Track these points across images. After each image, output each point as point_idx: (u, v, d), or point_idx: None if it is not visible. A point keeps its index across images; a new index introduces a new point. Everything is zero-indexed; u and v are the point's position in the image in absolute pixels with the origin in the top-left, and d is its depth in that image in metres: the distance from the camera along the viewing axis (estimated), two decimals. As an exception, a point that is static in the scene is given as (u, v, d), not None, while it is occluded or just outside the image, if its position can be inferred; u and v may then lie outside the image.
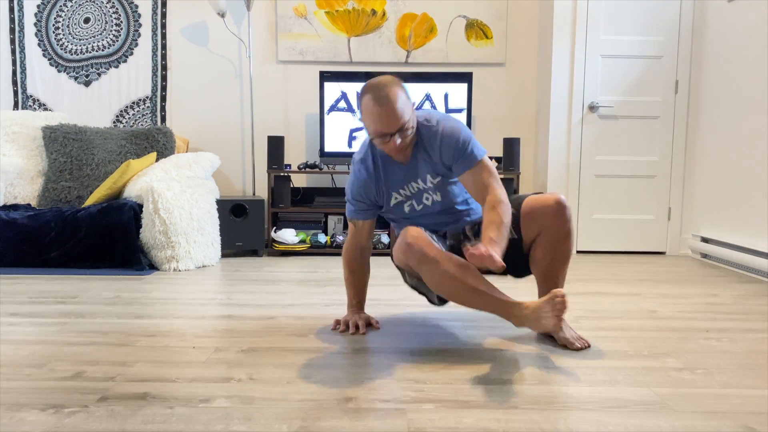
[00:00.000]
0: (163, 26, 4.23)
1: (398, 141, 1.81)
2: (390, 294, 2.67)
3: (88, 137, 3.83)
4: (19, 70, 4.25)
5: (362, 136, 3.91)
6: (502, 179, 3.76)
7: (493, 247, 1.67)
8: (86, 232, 3.16)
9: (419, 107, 3.90)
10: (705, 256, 3.75)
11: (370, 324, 2.11)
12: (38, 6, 4.22)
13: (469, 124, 3.89)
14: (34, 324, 2.12)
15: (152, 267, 3.24)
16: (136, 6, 4.22)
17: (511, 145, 3.77)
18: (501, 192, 1.85)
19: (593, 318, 2.28)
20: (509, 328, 2.11)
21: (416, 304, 2.46)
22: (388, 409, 1.41)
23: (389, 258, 3.66)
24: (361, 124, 3.89)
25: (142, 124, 4.28)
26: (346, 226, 3.98)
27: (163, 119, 4.28)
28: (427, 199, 2.00)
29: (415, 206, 2.02)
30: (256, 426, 1.32)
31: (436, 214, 2.03)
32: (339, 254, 3.76)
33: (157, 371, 1.65)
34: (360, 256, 2.09)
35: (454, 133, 1.89)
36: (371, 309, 2.39)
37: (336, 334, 2.03)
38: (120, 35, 4.24)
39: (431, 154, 1.93)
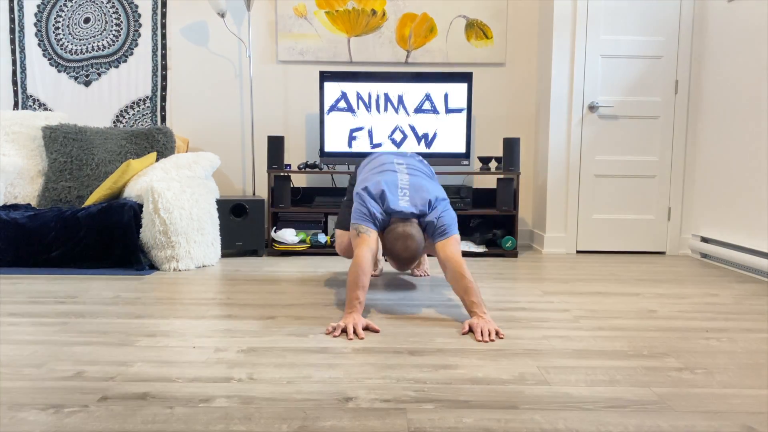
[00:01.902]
0: (163, 26, 4.23)
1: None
2: (389, 294, 2.67)
3: (88, 137, 3.83)
4: (19, 70, 4.25)
5: (362, 137, 3.92)
6: (501, 179, 3.78)
7: (481, 310, 2.12)
8: (86, 232, 3.16)
9: (419, 108, 3.90)
10: (705, 256, 3.76)
11: (367, 327, 2.11)
12: (38, 6, 4.22)
13: (469, 124, 3.89)
14: (34, 324, 2.13)
15: (152, 267, 3.24)
16: (136, 6, 4.22)
17: (511, 145, 3.77)
18: (461, 262, 2.25)
19: (593, 318, 2.28)
20: (509, 328, 2.12)
21: (415, 305, 2.47)
22: (388, 408, 1.41)
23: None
24: (360, 124, 3.89)
25: (142, 124, 4.28)
26: (346, 226, 3.98)
27: (163, 119, 4.28)
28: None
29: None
30: (256, 426, 1.32)
31: None
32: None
33: (157, 371, 1.65)
34: (372, 263, 2.24)
35: (442, 225, 2.34)
36: (370, 309, 2.39)
37: (338, 336, 2.03)
38: (120, 35, 4.24)
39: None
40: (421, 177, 2.48)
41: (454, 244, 2.29)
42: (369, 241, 2.25)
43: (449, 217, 2.36)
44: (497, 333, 2.02)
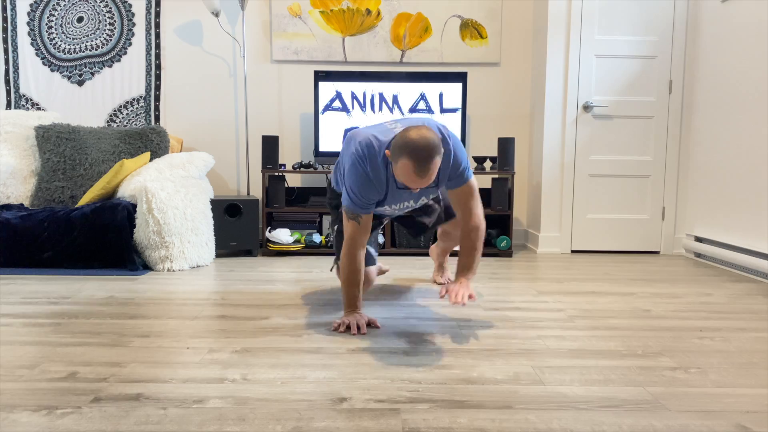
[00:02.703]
0: (157, 25, 4.22)
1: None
2: (385, 294, 2.66)
3: (81, 137, 3.81)
4: (11, 69, 4.23)
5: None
6: (496, 179, 3.78)
7: (467, 275, 2.09)
8: (79, 232, 3.15)
9: (414, 107, 3.90)
10: (699, 255, 3.77)
11: (369, 324, 2.11)
12: (31, 5, 4.20)
13: (463, 123, 3.89)
14: (26, 325, 2.11)
15: (146, 267, 3.23)
16: (130, 5, 4.20)
17: (506, 145, 3.78)
18: (478, 215, 2.15)
19: (587, 317, 2.29)
20: (503, 328, 2.12)
21: (411, 304, 2.47)
22: (383, 409, 1.41)
23: (384, 258, 3.65)
24: (355, 124, 3.89)
25: (135, 124, 4.27)
26: (340, 226, 3.97)
27: (157, 119, 4.27)
28: (406, 208, 2.30)
29: (393, 212, 2.30)
30: (250, 427, 1.31)
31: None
32: (334, 254, 3.76)
33: (151, 372, 1.65)
34: (362, 254, 2.12)
35: (458, 161, 2.09)
36: (366, 309, 2.38)
37: (331, 334, 2.02)
38: (114, 34, 4.23)
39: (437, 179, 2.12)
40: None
41: (474, 195, 2.12)
42: (357, 228, 2.07)
43: (462, 153, 2.09)
44: (470, 296, 2.01)
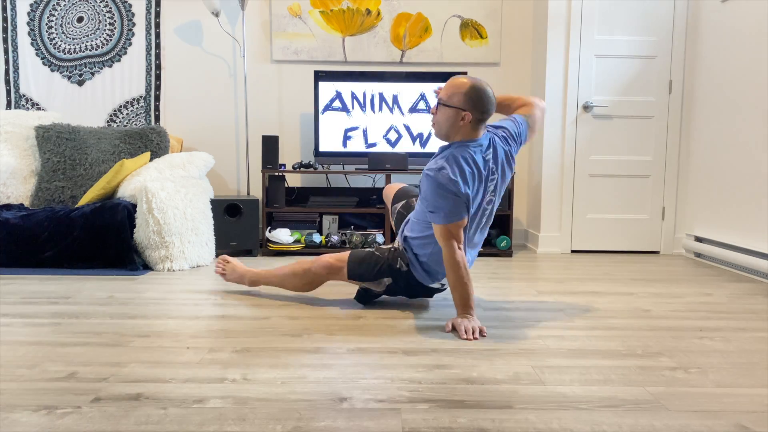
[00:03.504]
0: (157, 25, 4.22)
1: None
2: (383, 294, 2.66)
3: (81, 137, 3.81)
4: (12, 69, 4.23)
5: (356, 136, 3.91)
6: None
7: (470, 311, 2.08)
8: (80, 232, 3.15)
9: (414, 107, 3.90)
10: (699, 255, 3.77)
11: (481, 331, 2.05)
12: (31, 5, 4.20)
13: (463, 123, 3.88)
14: (27, 324, 2.11)
15: (146, 267, 3.23)
16: (130, 5, 4.20)
17: (506, 145, 3.77)
18: (448, 245, 2.09)
19: (587, 317, 2.29)
20: (503, 328, 2.12)
21: (411, 304, 2.47)
22: (383, 409, 1.41)
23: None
24: (355, 124, 3.89)
25: (135, 124, 4.27)
26: (340, 226, 3.97)
27: (157, 119, 4.27)
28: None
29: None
30: (250, 426, 1.31)
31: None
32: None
33: (151, 372, 1.65)
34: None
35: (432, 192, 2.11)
36: (366, 309, 2.39)
37: (331, 334, 2.03)
38: (114, 34, 4.23)
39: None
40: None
41: (439, 231, 2.10)
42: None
43: (432, 187, 2.11)
44: (481, 331, 2.01)
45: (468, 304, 2.09)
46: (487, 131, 2.27)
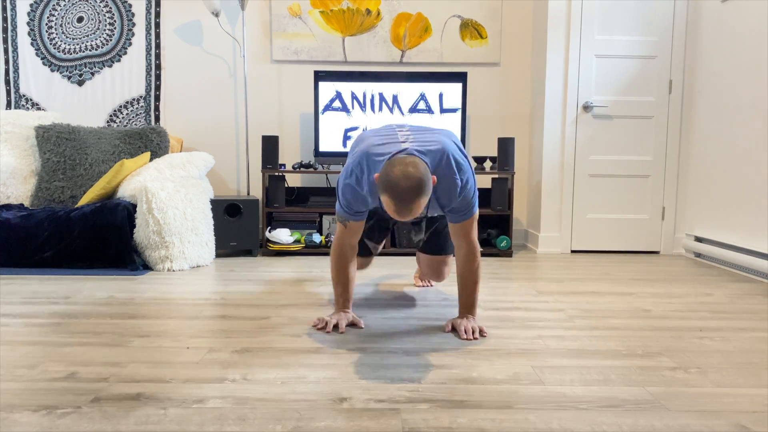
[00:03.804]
0: (157, 25, 4.22)
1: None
2: (384, 294, 2.66)
3: (81, 137, 3.81)
4: (12, 69, 4.23)
5: (356, 136, 3.90)
6: (496, 179, 3.78)
7: (472, 312, 2.08)
8: (79, 232, 3.14)
9: (414, 107, 3.90)
10: (699, 255, 3.77)
11: (353, 324, 2.12)
12: (31, 5, 4.20)
13: (463, 123, 3.89)
14: (27, 324, 2.11)
15: (146, 267, 3.23)
16: (130, 5, 4.20)
17: (506, 145, 3.78)
18: (476, 244, 2.09)
19: (587, 317, 2.28)
20: (503, 328, 2.12)
21: (411, 304, 2.46)
22: (383, 409, 1.41)
23: (383, 258, 3.65)
24: (355, 124, 3.89)
25: (135, 124, 4.27)
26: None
27: (157, 119, 4.27)
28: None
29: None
30: (250, 427, 1.31)
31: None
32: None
33: (151, 372, 1.65)
34: (350, 254, 2.12)
35: (469, 193, 2.00)
36: (366, 309, 2.39)
37: (331, 334, 2.03)
38: (114, 34, 4.23)
39: (438, 201, 2.01)
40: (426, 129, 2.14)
41: (475, 226, 2.08)
42: (345, 232, 2.08)
43: (473, 186, 2.02)
44: (481, 331, 2.02)
45: (473, 305, 2.10)
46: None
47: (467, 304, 2.10)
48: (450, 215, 2.04)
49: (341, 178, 2.04)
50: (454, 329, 2.07)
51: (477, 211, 2.06)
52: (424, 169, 1.77)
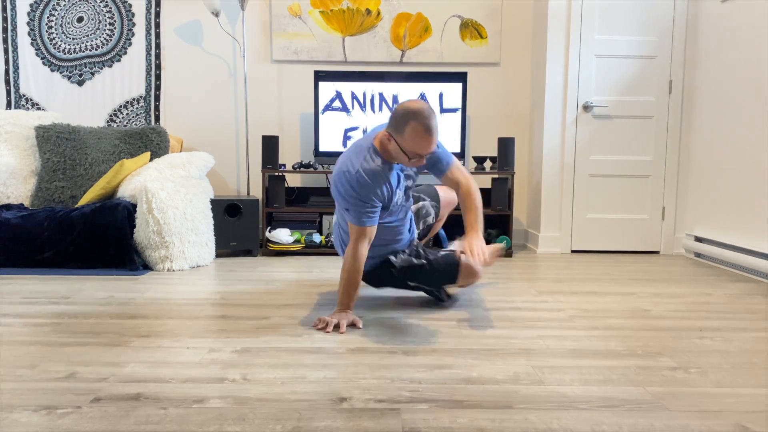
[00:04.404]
0: (157, 25, 4.22)
1: (425, 160, 2.13)
2: (383, 294, 2.66)
3: (81, 137, 3.81)
4: (11, 69, 4.23)
5: (356, 136, 3.91)
6: (496, 179, 3.78)
7: (477, 230, 2.16)
8: (79, 232, 3.14)
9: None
10: (699, 255, 3.77)
11: (353, 324, 2.12)
12: (31, 5, 4.20)
13: (463, 123, 3.89)
14: (27, 324, 2.11)
15: (146, 267, 3.23)
16: (130, 5, 4.20)
17: (506, 145, 3.78)
18: (471, 180, 2.28)
19: (587, 317, 2.29)
20: (503, 328, 2.12)
21: (411, 304, 2.46)
22: (383, 409, 1.41)
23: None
24: (355, 124, 3.89)
25: (135, 124, 4.27)
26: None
27: (157, 119, 4.27)
28: (402, 208, 2.32)
29: (396, 201, 2.26)
30: (250, 426, 1.31)
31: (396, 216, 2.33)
32: (334, 254, 3.76)
33: (151, 372, 1.65)
34: (363, 259, 2.16)
35: (441, 146, 2.28)
36: (366, 309, 2.39)
37: (331, 334, 2.03)
38: (114, 34, 4.23)
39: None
40: None
41: (461, 168, 2.30)
42: (361, 237, 2.14)
43: (443, 148, 2.30)
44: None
45: (481, 224, 2.20)
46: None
47: (474, 222, 2.18)
48: (435, 171, 2.28)
49: (340, 189, 2.11)
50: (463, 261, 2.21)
51: (454, 159, 2.29)
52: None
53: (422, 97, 3.89)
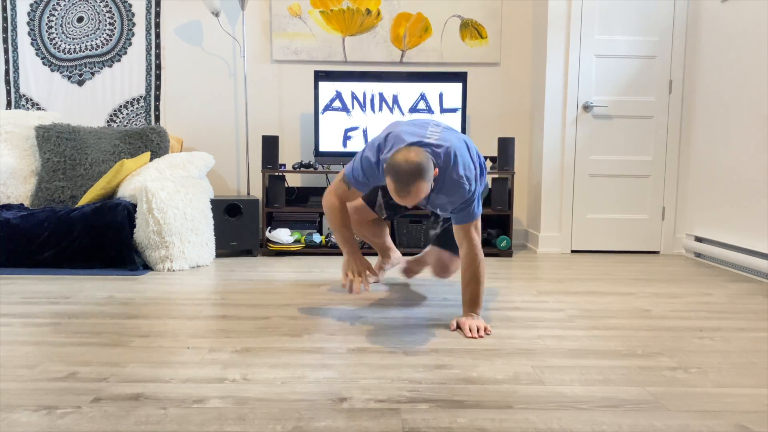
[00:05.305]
0: (157, 25, 4.22)
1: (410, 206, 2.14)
2: (383, 294, 2.66)
3: (81, 137, 3.81)
4: (12, 69, 4.23)
5: (357, 136, 3.91)
6: (496, 179, 3.78)
7: (476, 310, 2.11)
8: (80, 232, 3.14)
9: (414, 107, 3.90)
10: (699, 255, 3.77)
11: (367, 269, 2.34)
12: (31, 5, 4.20)
13: (463, 123, 3.89)
14: (27, 324, 2.11)
15: (146, 267, 3.23)
16: (130, 5, 4.20)
17: (506, 145, 3.78)
18: (479, 246, 2.15)
19: (587, 317, 2.28)
20: (503, 328, 2.12)
21: (411, 304, 2.46)
22: (383, 409, 1.41)
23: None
24: (355, 124, 3.89)
25: (135, 124, 4.27)
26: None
27: (157, 119, 4.27)
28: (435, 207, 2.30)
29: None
30: (250, 426, 1.31)
31: None
32: (334, 254, 3.76)
33: (151, 372, 1.65)
34: (341, 209, 2.34)
35: (472, 198, 2.12)
36: (366, 309, 2.39)
37: (331, 334, 2.03)
38: (114, 34, 4.23)
39: (441, 195, 2.13)
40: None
41: (478, 228, 2.18)
42: (346, 192, 2.28)
43: (476, 190, 2.14)
44: (486, 329, 2.05)
45: (477, 303, 2.13)
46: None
47: (470, 302, 2.13)
48: (453, 215, 2.17)
49: (363, 150, 2.21)
50: (459, 328, 2.09)
51: (479, 218, 2.17)
52: (426, 158, 1.93)
53: (422, 97, 3.89)
